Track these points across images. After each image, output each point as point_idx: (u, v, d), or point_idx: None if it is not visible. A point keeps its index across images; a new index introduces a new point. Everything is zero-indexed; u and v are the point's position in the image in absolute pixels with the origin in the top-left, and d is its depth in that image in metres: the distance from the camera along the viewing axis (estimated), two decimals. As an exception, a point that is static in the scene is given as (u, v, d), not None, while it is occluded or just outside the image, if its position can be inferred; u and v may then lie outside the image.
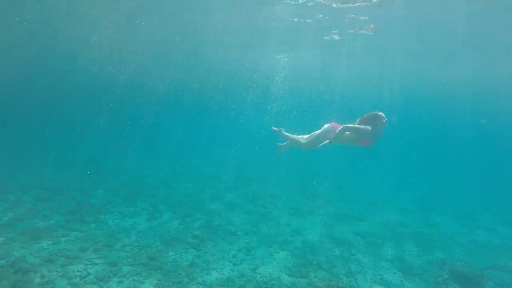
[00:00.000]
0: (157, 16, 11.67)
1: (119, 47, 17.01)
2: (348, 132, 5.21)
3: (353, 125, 5.13)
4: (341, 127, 5.13)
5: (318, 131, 5.74)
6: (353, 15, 10.26)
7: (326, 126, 5.67)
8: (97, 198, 9.57)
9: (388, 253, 7.85)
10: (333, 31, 12.10)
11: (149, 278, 5.76)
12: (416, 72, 17.60)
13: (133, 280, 5.64)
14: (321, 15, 10.49)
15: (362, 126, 5.06)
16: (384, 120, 5.04)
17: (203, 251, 6.99)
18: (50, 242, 6.43)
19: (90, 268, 5.79)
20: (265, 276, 6.23)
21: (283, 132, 6.19)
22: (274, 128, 6.34)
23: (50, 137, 18.41)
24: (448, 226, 10.45)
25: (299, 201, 11.27)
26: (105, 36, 14.81)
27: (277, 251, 7.35)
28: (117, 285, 5.42)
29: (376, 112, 5.14)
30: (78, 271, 5.61)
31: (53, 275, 5.39)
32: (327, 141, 5.22)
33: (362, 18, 10.39)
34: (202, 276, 5.99)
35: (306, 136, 5.99)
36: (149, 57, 19.69)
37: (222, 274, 6.13)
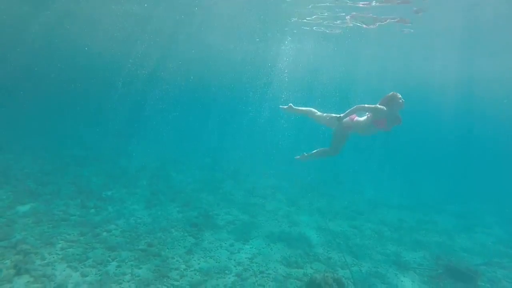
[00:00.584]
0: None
1: (124, 37, 16.94)
2: (365, 117, 5.10)
3: (367, 105, 4.99)
4: (354, 106, 4.97)
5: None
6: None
7: (344, 122, 5.45)
8: (97, 184, 9.64)
9: (384, 247, 7.93)
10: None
11: (147, 263, 5.84)
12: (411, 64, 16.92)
13: (131, 265, 5.73)
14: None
15: (376, 105, 4.92)
16: (400, 101, 4.85)
17: (201, 239, 7.07)
18: (50, 226, 6.51)
19: (89, 252, 5.88)
20: (262, 265, 6.31)
21: (293, 107, 5.91)
22: (283, 107, 6.06)
23: (52, 123, 18.45)
24: (446, 223, 10.52)
25: (298, 193, 11.34)
26: (113, 26, 14.73)
27: (274, 241, 7.43)
28: (116, 269, 5.51)
29: (392, 92, 4.95)
30: (77, 254, 5.69)
31: (53, 257, 5.47)
32: (337, 115, 5.09)
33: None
34: (199, 264, 6.08)
35: (321, 113, 5.75)
36: (153, 47, 19.58)
37: (219, 262, 6.22)
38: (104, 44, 19.24)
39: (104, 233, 6.70)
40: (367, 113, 5.18)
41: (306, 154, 5.82)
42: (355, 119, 5.34)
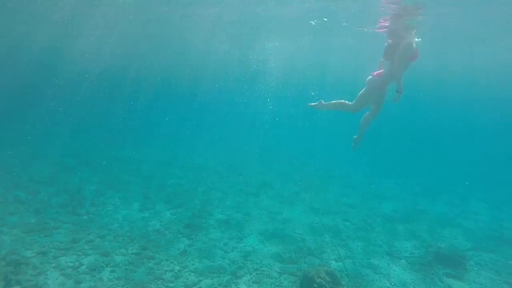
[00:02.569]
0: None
1: (109, 39, 16.75)
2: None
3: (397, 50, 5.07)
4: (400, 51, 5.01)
5: (363, 90, 5.53)
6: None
7: (368, 79, 5.49)
8: (89, 190, 9.58)
9: (377, 238, 8.06)
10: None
11: (141, 267, 5.86)
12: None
13: (126, 269, 5.74)
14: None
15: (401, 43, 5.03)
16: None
17: (195, 239, 7.11)
18: (41, 235, 6.48)
19: (83, 258, 5.87)
20: (256, 262, 6.38)
21: (323, 103, 5.83)
22: (312, 104, 5.95)
23: (41, 130, 18.18)
24: (436, 211, 10.72)
25: (291, 189, 11.43)
26: (95, 27, 14.54)
27: (268, 238, 7.51)
28: (110, 274, 5.52)
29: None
30: (70, 262, 5.68)
31: (45, 266, 5.46)
32: (399, 92, 5.04)
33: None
34: (193, 264, 6.12)
35: (351, 102, 5.75)
36: (142, 49, 19.44)
37: (213, 262, 6.27)
38: (88, 47, 19.00)
39: (97, 239, 6.69)
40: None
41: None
42: (382, 71, 5.39)
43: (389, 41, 5.61)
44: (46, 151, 13.45)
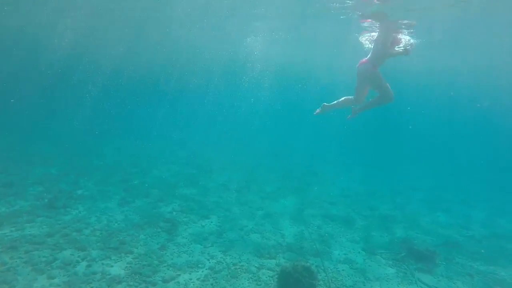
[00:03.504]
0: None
1: (90, 34, 16.20)
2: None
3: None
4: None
5: (356, 81, 5.68)
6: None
7: (357, 70, 5.65)
8: (67, 183, 9.33)
9: (354, 234, 8.29)
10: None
11: (119, 261, 5.80)
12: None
13: (102, 263, 5.66)
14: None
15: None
16: None
17: (174, 234, 7.08)
18: (13, 229, 6.26)
19: (57, 253, 5.73)
20: (235, 257, 6.44)
21: (327, 105, 5.90)
22: (317, 111, 5.99)
23: (16, 118, 17.47)
24: (412, 208, 11.12)
25: (273, 185, 11.54)
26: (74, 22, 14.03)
27: (248, 234, 7.58)
28: (86, 269, 5.43)
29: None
30: (43, 256, 5.54)
31: (16, 261, 5.29)
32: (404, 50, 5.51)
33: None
34: (172, 259, 6.11)
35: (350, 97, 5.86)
36: (122, 44, 18.92)
37: (192, 257, 6.28)
38: (69, 38, 18.34)
39: (74, 233, 6.55)
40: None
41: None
42: (368, 57, 5.65)
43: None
44: (21, 140, 12.95)
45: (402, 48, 5.74)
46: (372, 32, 10.13)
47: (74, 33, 17.01)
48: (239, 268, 6.10)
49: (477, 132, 39.54)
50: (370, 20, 8.23)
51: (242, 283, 5.62)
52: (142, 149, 14.81)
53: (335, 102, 5.98)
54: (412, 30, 9.62)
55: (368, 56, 5.71)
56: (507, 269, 7.23)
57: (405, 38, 9.57)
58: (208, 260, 6.24)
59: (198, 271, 5.82)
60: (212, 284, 5.47)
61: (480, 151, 31.25)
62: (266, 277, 5.89)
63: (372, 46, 5.83)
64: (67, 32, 16.68)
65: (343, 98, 5.96)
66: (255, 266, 6.21)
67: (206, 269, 5.92)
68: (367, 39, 10.32)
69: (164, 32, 15.89)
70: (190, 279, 5.58)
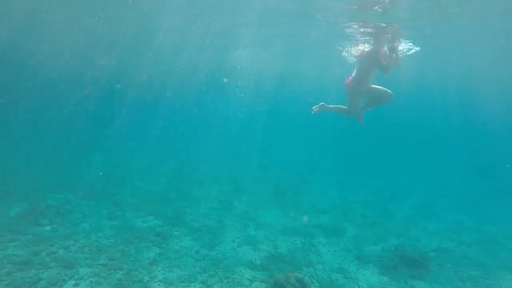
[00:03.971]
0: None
1: (81, 43, 16.13)
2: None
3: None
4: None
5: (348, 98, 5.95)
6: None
7: (346, 89, 5.88)
8: (55, 198, 9.10)
9: (347, 243, 8.29)
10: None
11: (108, 278, 5.64)
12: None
13: (91, 281, 5.49)
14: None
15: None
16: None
17: (165, 248, 6.95)
18: (-4, 248, 6.05)
19: (42, 272, 5.54)
20: (227, 270, 6.34)
21: (325, 106, 6.11)
22: (315, 108, 6.17)
23: (0, 133, 17.07)
24: (403, 215, 11.23)
25: (264, 196, 11.51)
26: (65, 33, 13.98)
27: (240, 245, 7.49)
28: (73, 288, 5.26)
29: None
30: (27, 277, 5.34)
31: (-1, 282, 5.10)
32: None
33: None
34: (163, 274, 5.98)
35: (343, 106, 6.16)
36: (112, 55, 18.90)
37: (184, 271, 6.16)
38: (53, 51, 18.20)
39: (61, 251, 6.36)
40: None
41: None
42: (353, 75, 5.90)
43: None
44: (4, 154, 12.63)
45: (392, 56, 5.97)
46: (356, 45, 10.31)
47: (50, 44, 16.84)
48: (231, 281, 6.00)
49: (466, 139, 40.39)
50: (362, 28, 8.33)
51: (235, 297, 5.52)
52: (131, 161, 14.61)
53: (333, 106, 6.22)
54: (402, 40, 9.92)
55: (352, 75, 5.83)
56: (497, 273, 7.33)
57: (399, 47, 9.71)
58: (200, 273, 6.13)
59: (190, 286, 5.70)
60: (204, 299, 5.36)
61: (471, 158, 31.92)
62: (259, 290, 5.81)
63: (358, 63, 5.97)
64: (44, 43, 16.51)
65: (338, 106, 6.23)
66: (248, 279, 6.13)
67: (198, 283, 5.80)
68: (352, 52, 10.45)
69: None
70: (182, 294, 5.46)
